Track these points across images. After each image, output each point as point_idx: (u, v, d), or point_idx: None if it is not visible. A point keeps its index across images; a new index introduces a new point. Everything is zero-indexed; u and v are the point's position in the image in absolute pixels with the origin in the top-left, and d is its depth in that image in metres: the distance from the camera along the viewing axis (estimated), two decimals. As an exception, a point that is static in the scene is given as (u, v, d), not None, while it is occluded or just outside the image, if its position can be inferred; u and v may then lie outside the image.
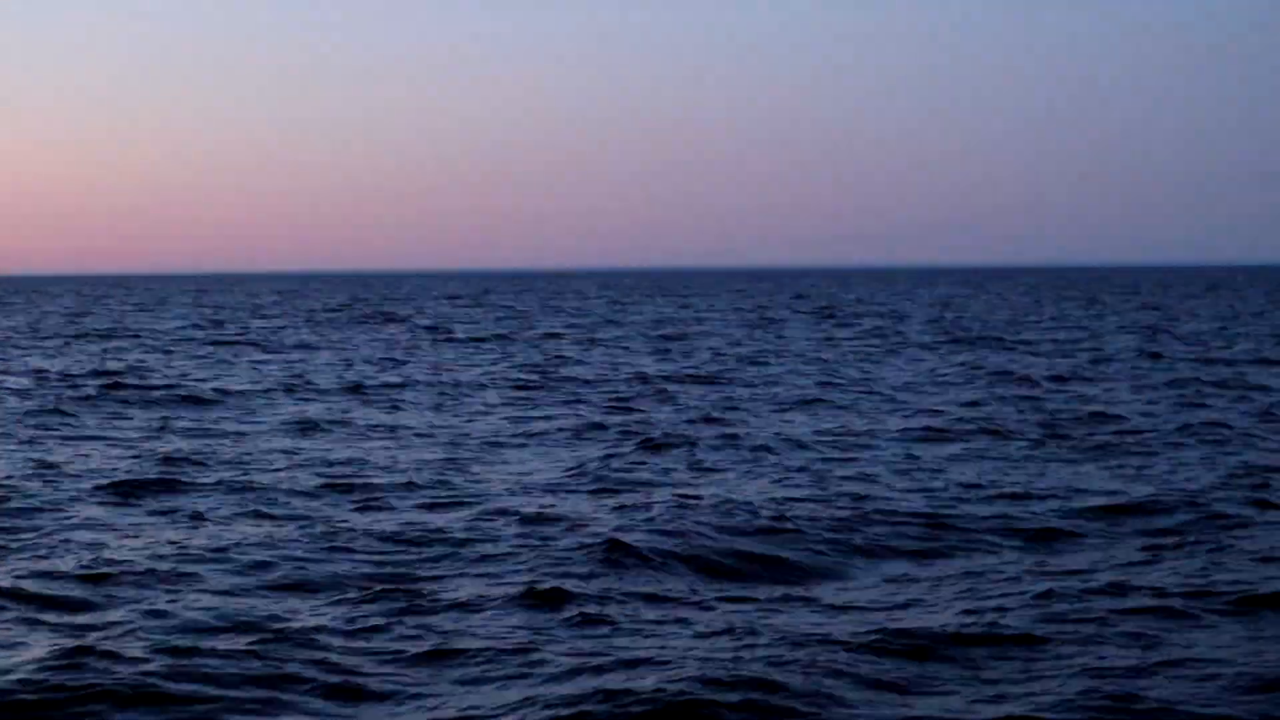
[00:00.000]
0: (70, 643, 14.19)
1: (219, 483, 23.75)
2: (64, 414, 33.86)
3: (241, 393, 39.72)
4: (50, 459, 26.50)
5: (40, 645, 14.23)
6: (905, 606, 15.72)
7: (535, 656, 13.81)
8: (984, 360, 51.13)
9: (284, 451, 27.82)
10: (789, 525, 19.36)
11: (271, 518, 20.91)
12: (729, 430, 30.42)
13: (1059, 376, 43.66)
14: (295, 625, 14.95)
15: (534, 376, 45.14)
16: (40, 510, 21.17)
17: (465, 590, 16.40)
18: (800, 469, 25.19)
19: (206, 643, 14.28)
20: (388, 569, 17.49)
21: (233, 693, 12.92)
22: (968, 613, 15.21)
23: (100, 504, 21.75)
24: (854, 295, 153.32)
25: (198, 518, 20.73)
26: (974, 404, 35.63)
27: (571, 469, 25.22)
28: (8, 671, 13.25)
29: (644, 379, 44.22)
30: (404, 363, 52.41)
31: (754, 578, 17.25)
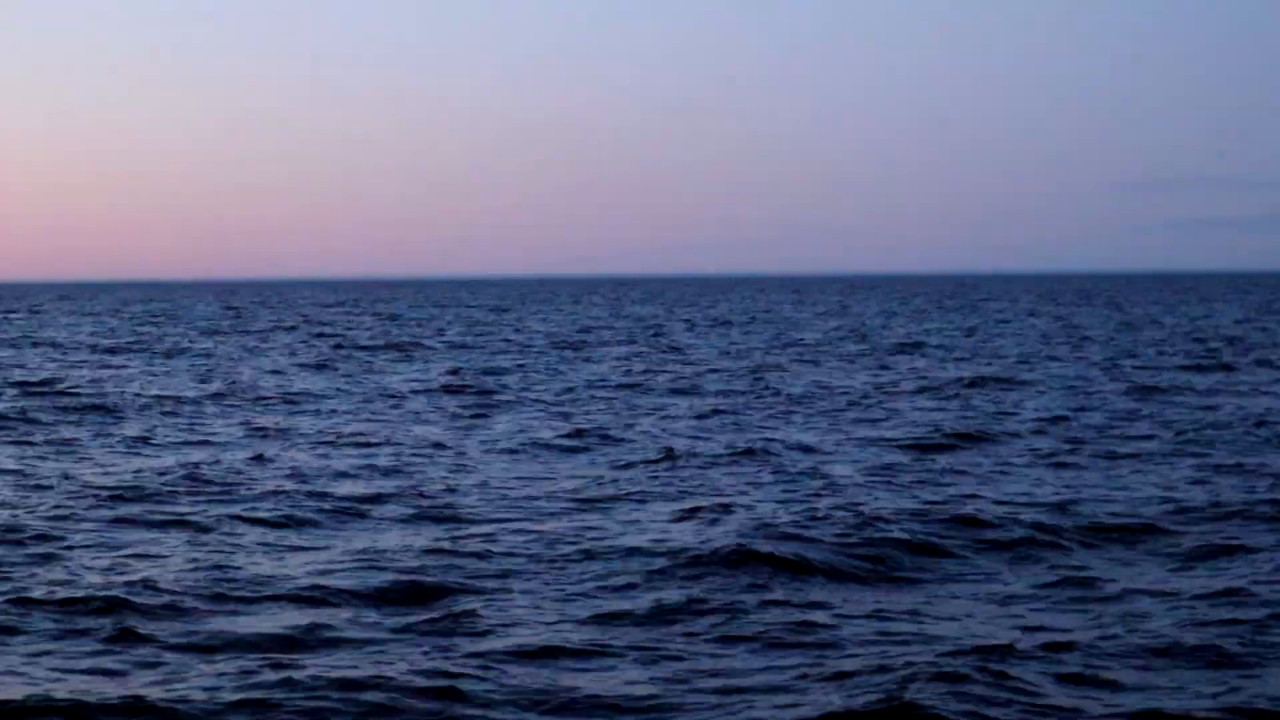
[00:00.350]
0: (132, 660, 13.85)
1: (241, 492, 23.13)
2: (35, 423, 32.95)
3: (193, 400, 38.87)
4: (48, 470, 25.67)
5: (105, 664, 13.77)
6: (1045, 608, 15.63)
7: (726, 669, 13.53)
8: (925, 367, 51.23)
9: (283, 462, 27.10)
10: (875, 531, 19.17)
11: (313, 525, 20.45)
12: (729, 437, 30.24)
13: (1004, 380, 43.84)
14: (383, 639, 14.57)
15: (468, 384, 44.52)
16: (57, 524, 20.42)
17: (595, 605, 16.03)
18: (824, 474, 25.02)
19: (285, 656, 13.87)
20: (474, 581, 16.98)
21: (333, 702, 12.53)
22: (1111, 614, 15.33)
23: (115, 518, 21.01)
24: (726, 304, 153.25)
25: (238, 524, 20.22)
26: (957, 411, 35.60)
27: (593, 480, 24.77)
28: (81, 691, 12.83)
29: (592, 386, 43.84)
30: (331, 370, 51.56)
31: (877, 582, 17.08)
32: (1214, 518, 20.61)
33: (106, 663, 13.79)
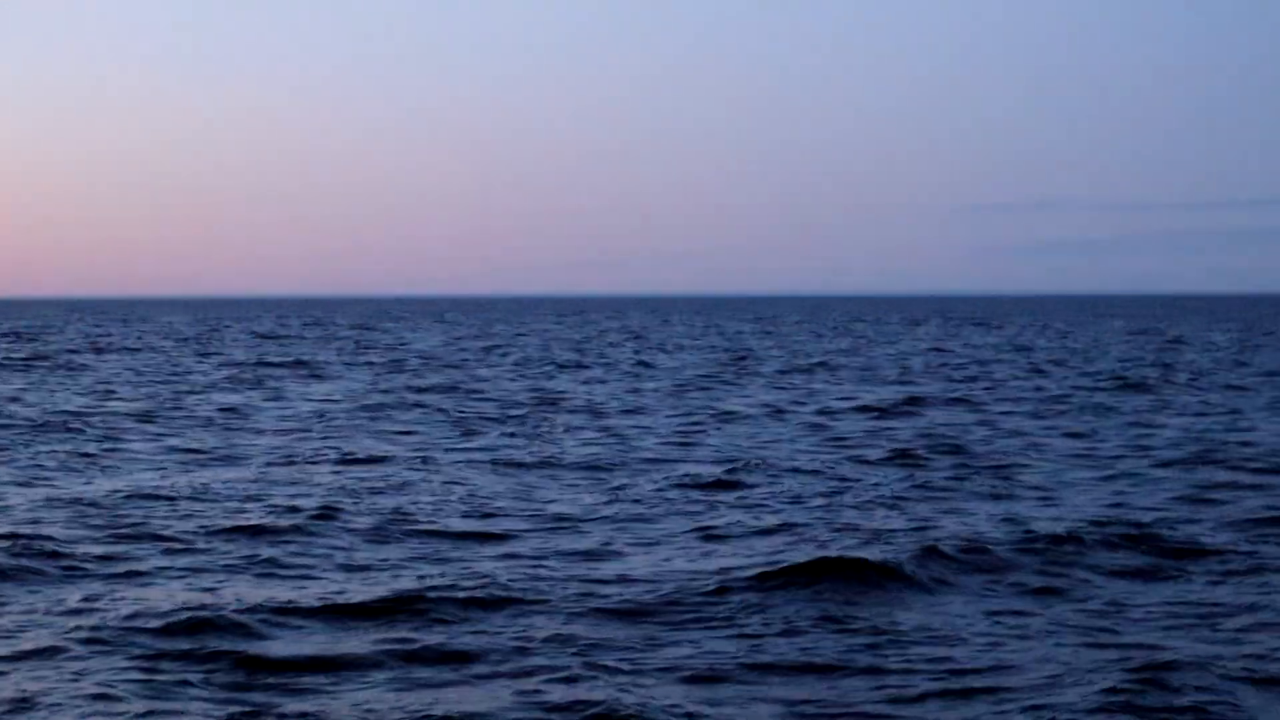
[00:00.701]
0: (234, 685, 13.43)
1: (262, 510, 22.55)
2: None
3: (131, 415, 38.02)
4: (48, 490, 24.92)
5: (202, 691, 13.25)
6: (1144, 621, 15.57)
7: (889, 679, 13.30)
8: (832, 387, 51.34)
9: (282, 479, 26.54)
10: (920, 544, 19.08)
11: (355, 538, 19.90)
12: (709, 454, 30.18)
13: (948, 400, 44.08)
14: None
15: (399, 400, 43.97)
16: (85, 544, 19.67)
17: (669, 624, 15.73)
18: (834, 491, 24.95)
19: (365, 674, 13.54)
20: (535, 596, 16.64)
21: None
22: (1222, 632, 15.29)
23: (142, 534, 20.38)
24: (596, 325, 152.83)
25: (272, 540, 19.72)
26: (919, 429, 35.69)
27: (600, 499, 24.45)
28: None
29: (522, 404, 43.44)
30: (247, 387, 50.68)
31: (952, 597, 16.94)
32: (1236, 532, 20.81)
33: (202, 689, 13.24)
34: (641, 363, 69.00)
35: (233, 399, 45.01)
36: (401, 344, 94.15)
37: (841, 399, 45.59)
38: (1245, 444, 31.91)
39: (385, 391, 48.73)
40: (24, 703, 12.73)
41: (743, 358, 73.79)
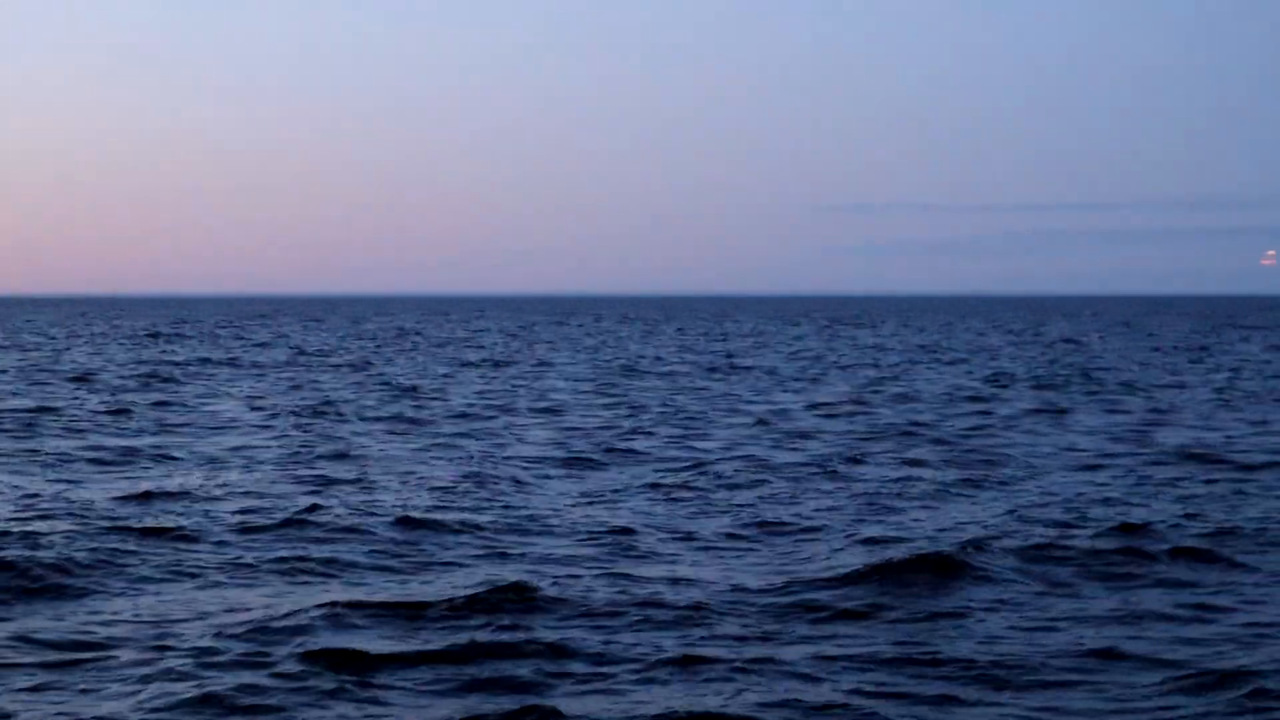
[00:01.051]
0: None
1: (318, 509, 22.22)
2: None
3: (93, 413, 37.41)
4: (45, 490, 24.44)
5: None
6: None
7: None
8: (788, 386, 51.60)
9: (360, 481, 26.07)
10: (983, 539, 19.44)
11: (431, 534, 19.75)
12: (700, 455, 30.26)
13: (906, 398, 44.36)
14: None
15: (321, 399, 43.42)
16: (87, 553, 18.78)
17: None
18: (860, 491, 25.00)
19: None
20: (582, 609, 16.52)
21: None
22: None
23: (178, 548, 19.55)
24: (469, 323, 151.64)
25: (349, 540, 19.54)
26: (892, 429, 35.79)
27: (614, 500, 24.14)
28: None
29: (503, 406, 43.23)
30: (173, 385, 49.97)
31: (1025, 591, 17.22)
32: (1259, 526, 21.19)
33: (304, 684, 13.17)
34: (542, 362, 68.59)
35: (168, 397, 44.23)
36: (285, 340, 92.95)
37: (771, 397, 45.64)
38: (1216, 441, 32.62)
39: (314, 389, 48.19)
40: (140, 706, 12.55)
41: (640, 357, 73.57)
